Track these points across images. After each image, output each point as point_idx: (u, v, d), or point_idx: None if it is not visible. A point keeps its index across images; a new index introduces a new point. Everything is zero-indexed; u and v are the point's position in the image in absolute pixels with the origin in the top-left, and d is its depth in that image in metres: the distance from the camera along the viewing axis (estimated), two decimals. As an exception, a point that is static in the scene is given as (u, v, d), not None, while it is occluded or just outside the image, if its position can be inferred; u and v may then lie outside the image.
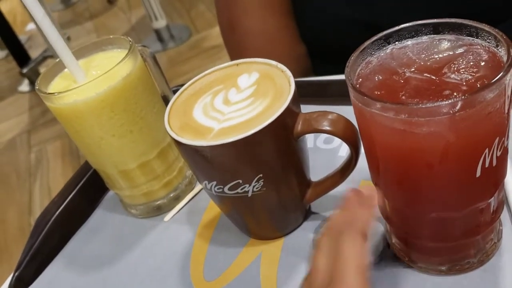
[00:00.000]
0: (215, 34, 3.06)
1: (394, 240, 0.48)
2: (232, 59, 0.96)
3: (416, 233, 0.44)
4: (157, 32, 3.15)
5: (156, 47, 3.13)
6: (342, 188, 0.55)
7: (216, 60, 2.77)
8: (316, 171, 0.55)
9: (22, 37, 3.39)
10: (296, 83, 0.49)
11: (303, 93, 0.57)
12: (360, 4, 0.81)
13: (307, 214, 0.56)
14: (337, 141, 0.64)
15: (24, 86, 3.18)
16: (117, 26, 3.59)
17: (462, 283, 0.45)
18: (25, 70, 2.99)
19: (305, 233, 0.54)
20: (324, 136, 0.65)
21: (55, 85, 0.58)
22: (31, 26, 3.83)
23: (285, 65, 0.92)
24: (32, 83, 3.13)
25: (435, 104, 0.34)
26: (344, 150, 0.62)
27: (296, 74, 0.90)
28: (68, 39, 3.23)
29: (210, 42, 3.02)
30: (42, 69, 3.14)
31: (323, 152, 0.63)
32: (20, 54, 3.13)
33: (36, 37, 3.64)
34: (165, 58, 3.02)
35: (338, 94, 0.62)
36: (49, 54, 3.03)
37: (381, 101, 0.36)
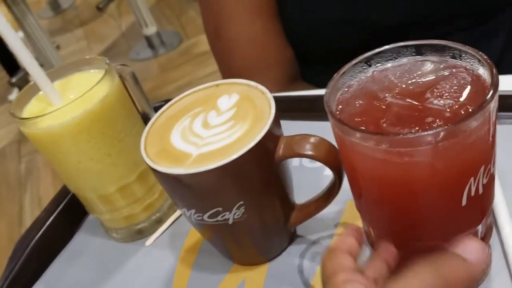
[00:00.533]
0: (206, 40, 3.00)
1: (380, 266, 0.47)
2: (219, 66, 0.94)
3: (402, 261, 0.43)
4: (148, 39, 3.13)
5: (146, 53, 3.11)
6: (328, 210, 0.54)
7: (207, 65, 2.75)
8: (302, 191, 0.53)
9: (11, 46, 3.35)
10: (280, 98, 0.48)
11: (287, 109, 0.56)
12: (348, 3, 0.79)
13: (293, 237, 0.54)
14: (322, 159, 0.62)
15: (14, 95, 3.16)
16: (107, 33, 3.57)
17: (451, 312, 0.43)
18: (14, 80, 2.97)
19: (290, 257, 0.53)
20: (309, 154, 0.63)
21: (30, 108, 0.56)
22: (20, 34, 3.80)
23: (273, 70, 0.90)
24: (21, 92, 3.09)
25: (417, 134, 0.33)
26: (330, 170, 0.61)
27: (285, 79, 0.89)
28: (57, 48, 3.21)
29: (201, 48, 3.00)
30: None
31: (309, 171, 0.61)
32: (9, 63, 3.10)
33: (26, 45, 3.61)
34: (156, 65, 3.00)
35: (324, 110, 0.60)
36: (38, 63, 3.01)
37: (360, 131, 0.34)
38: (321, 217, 0.54)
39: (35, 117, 0.51)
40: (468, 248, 0.33)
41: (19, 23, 2.60)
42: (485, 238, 0.42)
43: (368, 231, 0.44)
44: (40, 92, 0.57)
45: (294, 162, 0.62)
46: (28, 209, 2.31)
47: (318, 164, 0.62)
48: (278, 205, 0.50)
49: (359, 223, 0.53)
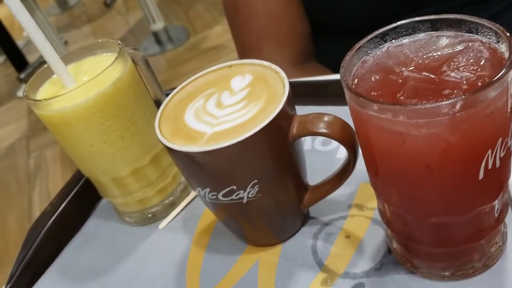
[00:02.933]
0: (213, 35, 3.04)
1: (395, 245, 0.47)
2: (235, 39, 0.95)
3: (417, 238, 0.43)
4: (155, 35, 3.13)
5: (154, 49, 3.12)
6: (341, 192, 0.54)
7: (215, 60, 2.75)
8: (314, 174, 0.53)
9: (19, 42, 3.37)
10: (292, 83, 0.47)
11: (300, 94, 0.56)
12: None
13: (306, 219, 0.54)
14: (335, 142, 0.62)
15: (23, 91, 3.17)
16: (115, 29, 3.57)
17: (467, 289, 0.43)
18: (23, 75, 2.98)
19: (304, 238, 0.53)
20: (321, 137, 0.63)
21: (44, 92, 0.56)
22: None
23: (288, 43, 0.92)
24: (30, 88, 3.11)
25: (435, 104, 0.32)
26: (342, 152, 0.61)
27: (298, 54, 0.91)
28: (65, 44, 3.22)
29: (209, 43, 3.00)
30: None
31: (321, 154, 0.61)
32: (18, 59, 3.12)
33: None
34: (164, 60, 3.01)
35: (336, 94, 0.60)
36: (46, 58, 3.02)
37: (378, 103, 0.34)
38: (334, 199, 0.54)
39: (49, 98, 0.51)
40: None
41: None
42: (501, 215, 0.42)
43: (383, 210, 0.44)
44: (54, 76, 0.57)
45: (306, 145, 0.62)
46: (37, 203, 2.32)
47: (330, 147, 0.62)
48: (291, 184, 0.50)
49: (373, 204, 0.53)
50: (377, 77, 0.39)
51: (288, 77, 0.47)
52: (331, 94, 0.66)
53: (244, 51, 0.93)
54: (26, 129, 2.85)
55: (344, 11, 0.85)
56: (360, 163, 0.48)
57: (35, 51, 3.47)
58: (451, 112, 0.33)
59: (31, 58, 3.21)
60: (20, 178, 2.52)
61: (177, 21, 3.40)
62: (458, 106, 0.32)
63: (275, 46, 0.89)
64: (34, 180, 2.47)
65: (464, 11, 0.80)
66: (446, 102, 0.32)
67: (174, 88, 0.53)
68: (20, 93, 3.18)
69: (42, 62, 3.02)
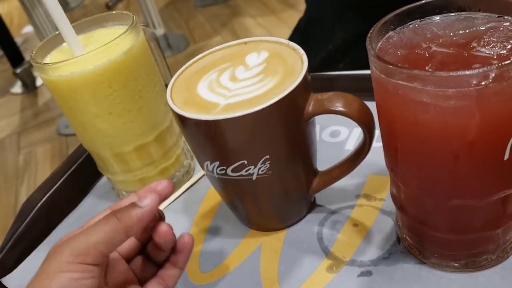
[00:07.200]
0: (213, 45, 3.02)
1: (405, 233, 0.45)
2: None
3: (433, 223, 0.41)
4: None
5: (152, 55, 3.11)
6: (349, 182, 0.53)
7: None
8: (322, 164, 0.52)
9: (18, 40, 3.35)
10: (316, 77, 0.47)
11: (323, 88, 0.55)
12: None
13: (312, 206, 0.53)
14: (343, 134, 0.61)
15: (17, 88, 3.14)
16: (115, 32, 3.57)
17: (479, 280, 0.42)
18: (18, 70, 2.96)
19: (309, 225, 0.51)
20: (330, 129, 0.62)
21: (52, 58, 0.55)
22: (27, 29, 3.80)
23: None
24: (25, 84, 3.09)
25: (466, 72, 0.31)
26: (351, 144, 0.59)
27: None
28: (64, 43, 3.21)
29: (208, 53, 3.00)
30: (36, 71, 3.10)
31: (329, 145, 0.60)
32: (14, 55, 3.10)
33: (32, 39, 3.60)
34: (161, 67, 3.00)
35: (345, 89, 0.59)
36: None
37: (407, 69, 0.33)
38: (342, 188, 0.53)
39: (57, 62, 0.50)
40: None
41: (28, 14, 2.59)
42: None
43: (398, 194, 0.43)
44: (63, 44, 0.55)
45: (315, 135, 0.61)
46: (23, 199, 2.28)
47: (339, 138, 0.61)
48: (301, 165, 0.48)
49: (382, 194, 0.52)
50: (403, 51, 0.38)
51: None
52: (354, 89, 0.65)
53: None
54: (18, 126, 2.81)
55: None
56: (370, 154, 0.47)
57: (32, 49, 3.43)
58: (482, 83, 0.31)
59: (28, 56, 3.19)
60: (8, 174, 2.48)
61: (177, 29, 3.39)
62: (490, 77, 0.31)
63: None
64: (22, 176, 2.43)
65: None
66: (478, 70, 0.31)
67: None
68: (14, 90, 3.15)
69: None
